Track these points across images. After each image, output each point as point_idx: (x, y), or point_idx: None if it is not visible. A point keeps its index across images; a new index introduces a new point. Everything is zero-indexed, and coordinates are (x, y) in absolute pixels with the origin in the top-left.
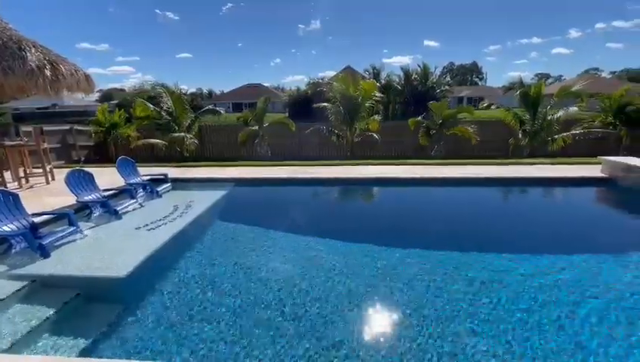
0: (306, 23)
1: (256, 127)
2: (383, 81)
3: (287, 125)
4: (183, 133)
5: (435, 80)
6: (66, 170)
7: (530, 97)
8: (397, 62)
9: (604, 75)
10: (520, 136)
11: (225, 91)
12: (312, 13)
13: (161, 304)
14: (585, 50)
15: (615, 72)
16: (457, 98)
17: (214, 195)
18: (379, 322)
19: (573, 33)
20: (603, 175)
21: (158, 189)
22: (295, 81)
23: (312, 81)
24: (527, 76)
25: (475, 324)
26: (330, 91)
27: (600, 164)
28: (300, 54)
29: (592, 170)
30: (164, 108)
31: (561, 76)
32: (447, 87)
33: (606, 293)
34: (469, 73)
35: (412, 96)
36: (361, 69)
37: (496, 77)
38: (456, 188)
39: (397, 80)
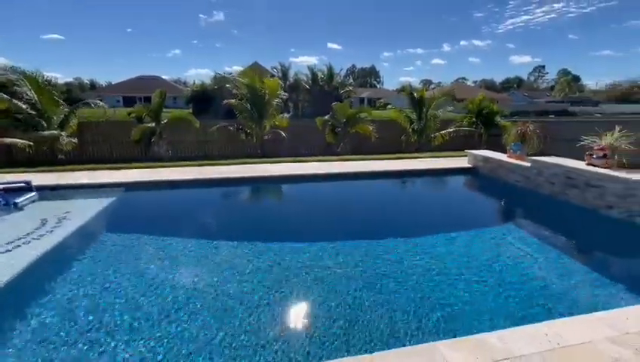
0: (208, 13)
1: (153, 124)
2: (291, 80)
3: (190, 122)
4: (55, 131)
5: (339, 81)
6: None
7: (416, 101)
8: (304, 62)
9: (468, 83)
10: (410, 133)
11: (112, 83)
12: (213, 3)
13: (16, 348)
14: (455, 61)
15: (476, 81)
16: (359, 99)
17: (100, 204)
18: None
19: (446, 47)
20: (469, 165)
21: (18, 200)
22: (199, 74)
23: (218, 76)
24: (415, 81)
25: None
26: (237, 87)
27: (466, 156)
28: (202, 46)
29: (461, 162)
30: (25, 98)
31: (439, 83)
32: (350, 88)
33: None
34: (369, 76)
35: (319, 96)
36: (269, 65)
37: (391, 80)
38: (353, 181)
39: (305, 79)
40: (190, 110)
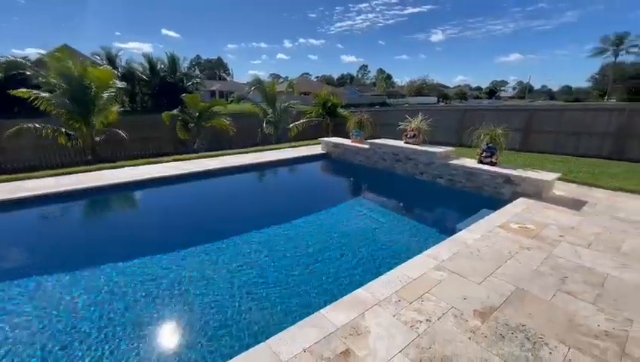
0: None
1: None
2: (121, 69)
3: None
4: None
5: (184, 72)
6: None
7: (268, 94)
8: (135, 49)
9: (312, 78)
10: (265, 125)
11: None
12: None
13: None
14: (297, 57)
15: (318, 77)
16: (210, 92)
17: None
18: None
19: (287, 43)
20: (323, 151)
21: None
22: None
23: (4, 60)
24: (264, 75)
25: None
26: (42, 75)
27: (320, 144)
28: None
29: (316, 149)
30: None
31: (287, 77)
32: (197, 80)
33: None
34: (217, 68)
35: (161, 88)
36: (87, 50)
37: (241, 73)
38: (216, 179)
39: (141, 69)
40: None
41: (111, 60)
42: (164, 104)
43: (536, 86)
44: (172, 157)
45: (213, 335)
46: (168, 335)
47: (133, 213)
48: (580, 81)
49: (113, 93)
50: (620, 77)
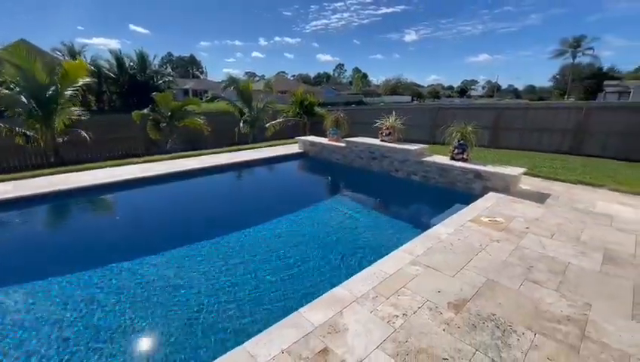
0: None
1: None
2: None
3: None
4: None
5: (155, 69)
6: None
7: (244, 93)
8: (101, 45)
9: (289, 77)
10: (242, 125)
11: None
12: None
13: None
14: (273, 55)
15: (294, 75)
16: (183, 90)
17: None
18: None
19: (262, 42)
20: (300, 150)
21: None
22: None
23: None
24: (240, 73)
25: None
26: None
27: (297, 143)
28: None
29: (293, 148)
30: None
31: (263, 75)
32: (169, 77)
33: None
34: (190, 66)
35: (131, 86)
36: (43, 45)
37: (216, 71)
38: (192, 180)
39: (107, 66)
40: None
41: (74, 57)
42: (133, 103)
43: (504, 85)
44: (142, 159)
45: (182, 344)
46: (132, 345)
47: (91, 220)
48: (544, 80)
49: (77, 91)
50: (577, 77)
